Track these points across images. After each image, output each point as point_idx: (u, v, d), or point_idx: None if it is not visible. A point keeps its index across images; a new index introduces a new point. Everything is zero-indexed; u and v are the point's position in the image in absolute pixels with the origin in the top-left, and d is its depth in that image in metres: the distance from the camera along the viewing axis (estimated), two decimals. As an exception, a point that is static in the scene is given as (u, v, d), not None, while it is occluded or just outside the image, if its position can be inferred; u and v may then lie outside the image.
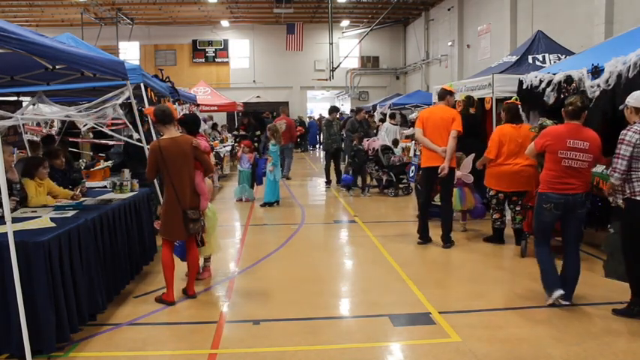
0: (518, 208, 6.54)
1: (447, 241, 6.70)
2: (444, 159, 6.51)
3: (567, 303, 4.54)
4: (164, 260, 4.78)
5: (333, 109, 12.77)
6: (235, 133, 14.14)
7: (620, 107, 4.66)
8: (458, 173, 6.94)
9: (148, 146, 6.43)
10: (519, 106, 6.80)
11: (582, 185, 4.48)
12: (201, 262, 5.42)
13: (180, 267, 5.06)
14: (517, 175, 6.30)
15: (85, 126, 6.65)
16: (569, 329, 4.12)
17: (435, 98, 6.86)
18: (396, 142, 12.69)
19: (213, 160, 11.21)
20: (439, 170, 6.52)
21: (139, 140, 6.39)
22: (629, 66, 5.31)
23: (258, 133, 11.53)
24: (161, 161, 4.65)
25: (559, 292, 4.47)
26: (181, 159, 4.64)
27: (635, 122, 4.21)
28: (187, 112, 8.96)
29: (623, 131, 4.23)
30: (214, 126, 18.57)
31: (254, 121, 12.65)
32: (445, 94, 6.95)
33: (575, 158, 4.41)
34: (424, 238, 6.86)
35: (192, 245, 4.93)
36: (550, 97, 6.80)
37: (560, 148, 4.44)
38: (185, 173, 4.66)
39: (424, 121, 6.77)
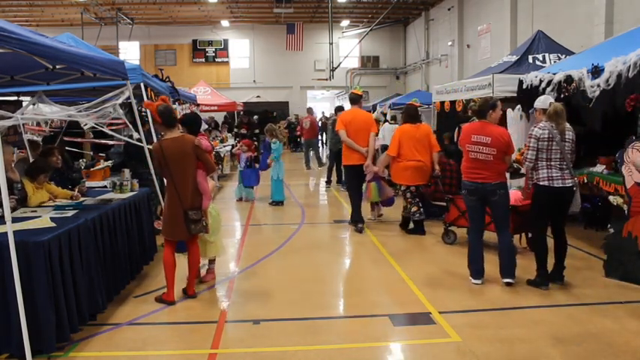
0: (410, 198, 7.34)
1: (361, 221, 7.68)
2: (365, 158, 7.36)
3: (510, 281, 5.11)
4: (165, 260, 4.77)
5: (339, 109, 12.79)
6: (236, 131, 14.22)
7: (530, 111, 5.45)
8: (374, 168, 7.62)
9: (149, 146, 6.46)
10: (417, 107, 7.72)
11: (492, 175, 5.04)
12: (205, 262, 5.41)
13: (181, 268, 5.05)
14: (420, 170, 7.13)
15: (85, 125, 6.65)
16: (569, 329, 4.12)
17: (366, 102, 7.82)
18: None
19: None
20: (365, 168, 7.41)
21: (139, 140, 6.38)
22: (629, 66, 5.31)
23: (257, 131, 11.57)
24: (163, 162, 4.63)
25: (477, 281, 5.18)
26: (183, 159, 4.62)
27: (541, 121, 4.96)
28: (187, 112, 8.96)
29: (532, 128, 5.01)
30: (216, 125, 18.55)
31: (254, 121, 12.70)
32: (358, 98, 7.79)
33: (479, 151, 5.04)
34: (358, 220, 7.70)
35: (193, 245, 4.92)
36: (550, 97, 6.80)
37: (467, 143, 5.12)
38: (188, 173, 4.64)
39: (347, 123, 7.52)
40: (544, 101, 5.08)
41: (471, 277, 5.26)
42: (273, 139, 9.90)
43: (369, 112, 17.54)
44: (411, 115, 7.45)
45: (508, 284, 5.10)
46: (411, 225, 7.55)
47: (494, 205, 5.13)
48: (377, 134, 7.69)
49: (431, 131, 7.49)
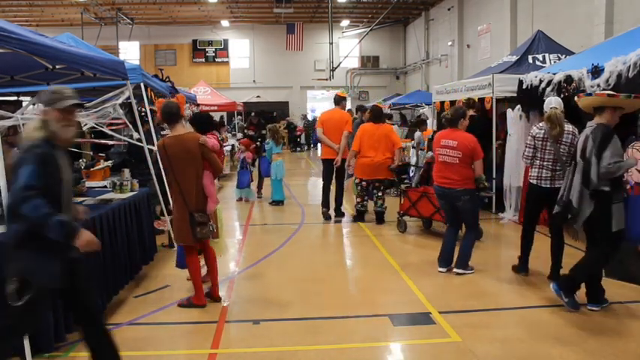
0: (380, 194, 7.94)
1: (338, 214, 8.46)
2: (337, 153, 8.12)
3: (459, 271, 5.52)
4: (189, 262, 4.69)
5: (359, 109, 12.76)
6: (246, 132, 13.92)
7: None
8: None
9: (149, 146, 6.45)
10: (382, 109, 8.43)
11: (458, 181, 5.36)
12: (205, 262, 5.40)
13: (181, 270, 5.05)
14: (375, 166, 7.68)
15: (85, 125, 6.65)
16: (569, 329, 4.12)
17: (339, 102, 8.61)
18: None
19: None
20: (334, 163, 8.13)
21: (139, 140, 6.38)
22: (629, 66, 5.32)
23: (264, 132, 11.56)
24: (166, 161, 4.50)
25: (442, 269, 5.60)
26: (186, 158, 4.44)
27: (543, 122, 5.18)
28: (198, 112, 9.00)
29: (532, 127, 5.38)
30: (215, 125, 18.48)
31: (263, 121, 12.60)
32: (341, 100, 8.67)
33: (446, 154, 5.42)
34: (327, 208, 8.55)
35: (207, 248, 4.77)
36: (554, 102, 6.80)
37: (437, 146, 5.56)
38: (190, 173, 4.46)
39: (324, 122, 8.44)
40: (547, 104, 5.19)
41: (437, 265, 5.68)
42: (267, 140, 9.91)
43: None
44: (375, 115, 8.03)
45: (457, 274, 5.50)
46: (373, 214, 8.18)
47: (461, 209, 5.50)
48: (351, 132, 8.36)
49: (392, 130, 8.07)
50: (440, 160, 5.51)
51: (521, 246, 5.48)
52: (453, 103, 9.75)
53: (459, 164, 5.35)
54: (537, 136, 5.10)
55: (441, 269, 5.63)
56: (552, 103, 5.13)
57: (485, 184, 5.76)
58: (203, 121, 5.02)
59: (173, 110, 4.60)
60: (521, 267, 5.46)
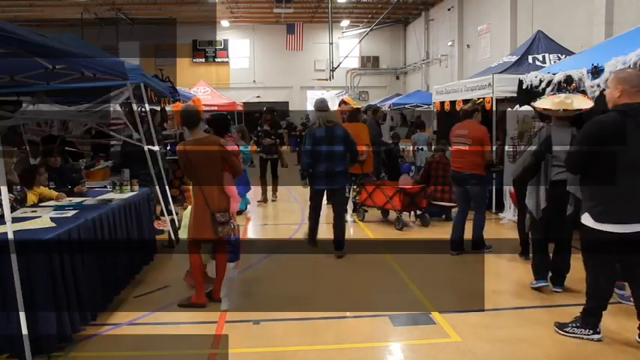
0: (354, 186, 8.67)
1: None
2: None
3: (478, 252, 6.13)
4: (193, 262, 4.71)
5: (374, 109, 12.71)
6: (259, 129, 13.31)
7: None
8: None
9: (149, 146, 6.45)
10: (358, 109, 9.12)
11: (467, 166, 6.04)
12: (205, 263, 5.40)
13: (183, 268, 5.03)
14: None
15: (85, 126, 6.64)
16: (569, 329, 4.12)
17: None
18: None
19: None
20: None
21: (139, 140, 6.38)
22: (629, 66, 5.31)
23: (280, 131, 11.43)
24: (188, 164, 4.55)
25: (454, 252, 6.20)
26: (208, 161, 4.51)
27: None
28: (215, 113, 8.97)
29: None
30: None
31: (277, 118, 12.13)
32: (340, 104, 9.54)
33: (459, 142, 6.13)
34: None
35: (221, 248, 4.83)
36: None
37: (452, 136, 6.27)
38: (212, 176, 4.54)
39: None
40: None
41: (450, 249, 6.24)
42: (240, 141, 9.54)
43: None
44: (351, 116, 8.51)
45: (475, 252, 6.17)
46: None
47: (470, 192, 6.12)
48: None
49: (361, 129, 8.29)
50: (455, 148, 6.18)
51: (520, 236, 6.01)
52: (453, 103, 9.76)
53: (469, 151, 5.97)
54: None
55: (453, 252, 6.19)
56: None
57: (494, 161, 6.42)
58: (222, 124, 5.11)
59: (193, 114, 4.62)
60: (524, 253, 5.94)
